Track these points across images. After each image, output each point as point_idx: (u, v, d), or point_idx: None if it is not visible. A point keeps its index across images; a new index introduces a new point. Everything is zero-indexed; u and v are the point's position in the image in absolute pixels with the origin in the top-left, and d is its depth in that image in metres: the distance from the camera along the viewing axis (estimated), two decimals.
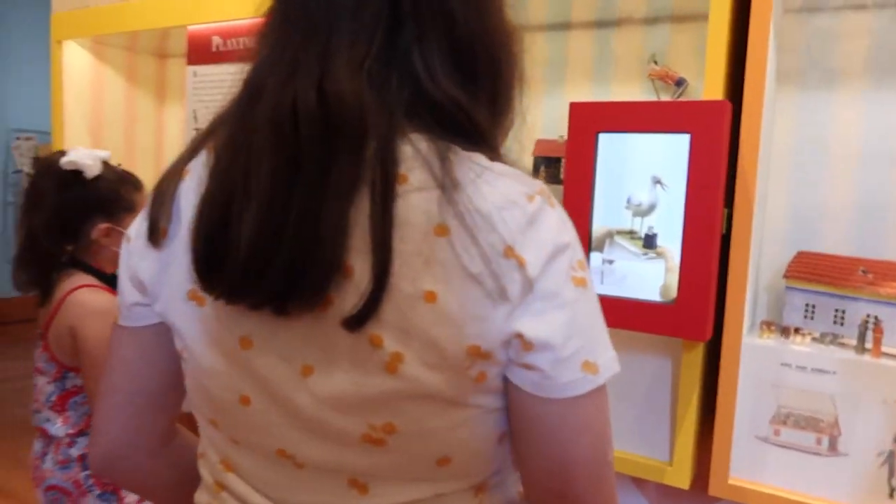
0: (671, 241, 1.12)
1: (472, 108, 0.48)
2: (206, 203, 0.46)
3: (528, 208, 0.46)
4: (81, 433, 1.23)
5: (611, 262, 1.18)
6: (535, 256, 0.45)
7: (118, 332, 0.60)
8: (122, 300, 0.58)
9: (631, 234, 1.17)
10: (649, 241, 1.15)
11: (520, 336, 0.46)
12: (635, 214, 1.18)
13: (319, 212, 0.42)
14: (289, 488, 0.52)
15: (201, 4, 1.86)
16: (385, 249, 0.43)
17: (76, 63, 2.35)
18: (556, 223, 0.47)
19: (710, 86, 1.13)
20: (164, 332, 0.57)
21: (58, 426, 1.22)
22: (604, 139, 1.16)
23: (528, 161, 1.73)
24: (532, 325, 0.45)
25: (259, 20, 0.51)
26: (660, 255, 1.14)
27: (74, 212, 1.19)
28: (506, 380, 0.48)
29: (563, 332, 0.46)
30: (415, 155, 0.46)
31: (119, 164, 2.56)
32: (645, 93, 1.58)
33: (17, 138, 4.63)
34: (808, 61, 1.26)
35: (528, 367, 0.47)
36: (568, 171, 1.22)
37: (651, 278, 1.14)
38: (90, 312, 1.19)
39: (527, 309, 0.45)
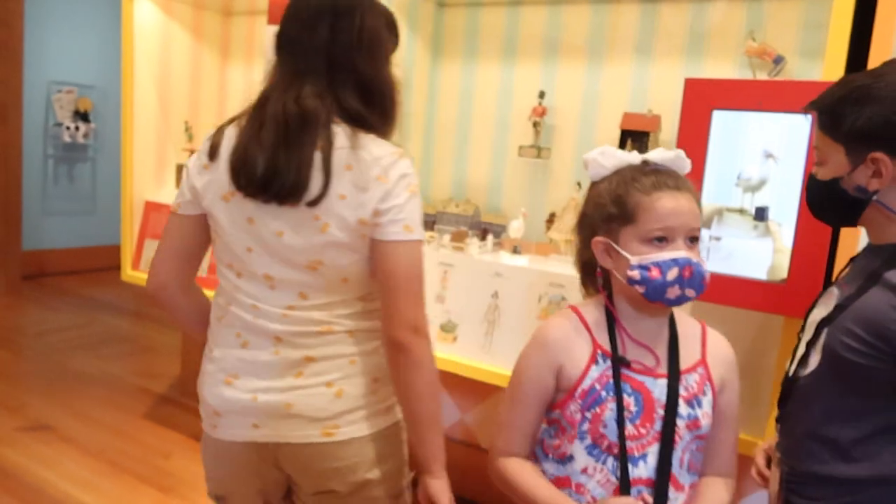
0: (782, 222, 1.13)
1: (368, 115, 1.03)
2: (239, 149, 1.01)
3: (391, 158, 1.01)
4: None
5: (718, 238, 1.19)
6: (391, 178, 0.99)
7: (174, 217, 1.09)
8: (181, 199, 1.08)
9: (741, 211, 1.18)
10: (760, 214, 1.16)
11: (379, 211, 0.99)
12: (745, 190, 1.18)
13: (300, 158, 0.98)
14: (267, 298, 1.05)
15: None
16: (328, 175, 0.98)
17: (145, 18, 2.34)
18: (404, 165, 1.01)
19: (830, 65, 1.13)
20: (202, 218, 1.08)
21: None
22: (718, 117, 1.17)
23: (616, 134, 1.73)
24: (384, 204, 0.99)
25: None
26: (769, 234, 1.15)
27: None
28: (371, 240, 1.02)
29: (398, 206, 0.99)
30: (341, 133, 1.00)
31: (186, 121, 2.59)
32: (739, 69, 1.57)
33: (59, 91, 4.65)
34: None
35: (378, 225, 0.99)
36: (680, 148, 1.22)
37: (758, 257, 1.15)
38: None
39: (385, 199, 0.99)
